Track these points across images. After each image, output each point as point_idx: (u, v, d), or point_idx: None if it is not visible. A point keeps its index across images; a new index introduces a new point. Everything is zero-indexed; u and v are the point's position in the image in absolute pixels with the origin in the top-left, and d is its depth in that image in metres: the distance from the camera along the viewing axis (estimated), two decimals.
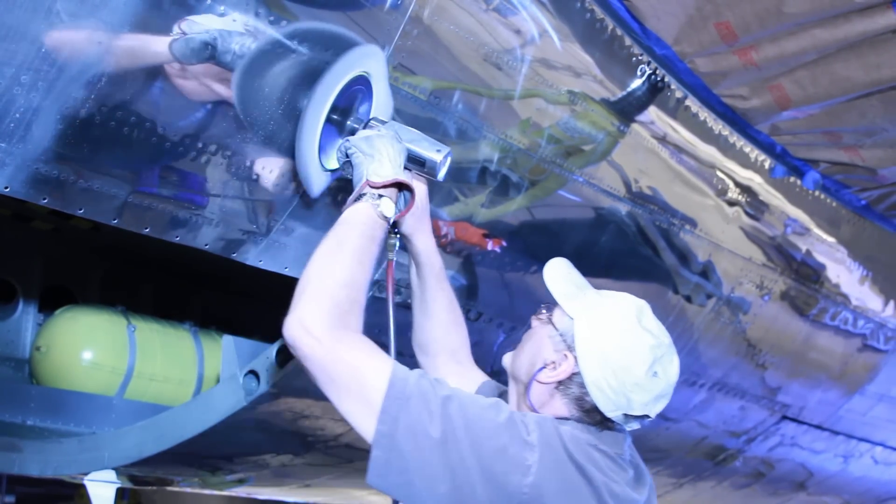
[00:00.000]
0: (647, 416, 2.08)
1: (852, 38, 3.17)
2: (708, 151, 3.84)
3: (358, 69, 2.45)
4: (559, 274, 2.21)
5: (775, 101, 3.53)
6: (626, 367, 2.02)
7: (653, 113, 3.54)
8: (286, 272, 2.80)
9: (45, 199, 2.24)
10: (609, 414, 2.05)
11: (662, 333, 2.10)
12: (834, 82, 3.37)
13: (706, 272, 4.14)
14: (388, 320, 2.35)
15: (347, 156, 2.28)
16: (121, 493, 4.58)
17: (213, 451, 3.59)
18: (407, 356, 2.46)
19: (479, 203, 3.11)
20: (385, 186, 2.17)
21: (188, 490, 4.77)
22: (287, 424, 3.47)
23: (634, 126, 3.47)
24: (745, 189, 4.09)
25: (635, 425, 2.10)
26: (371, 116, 2.47)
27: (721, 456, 5.33)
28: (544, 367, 2.08)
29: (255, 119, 2.42)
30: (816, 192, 4.36)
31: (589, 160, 3.39)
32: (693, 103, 3.62)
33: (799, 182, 4.23)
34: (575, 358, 2.05)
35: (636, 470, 2.12)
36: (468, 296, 3.37)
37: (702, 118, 3.70)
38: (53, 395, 3.69)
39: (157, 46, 2.20)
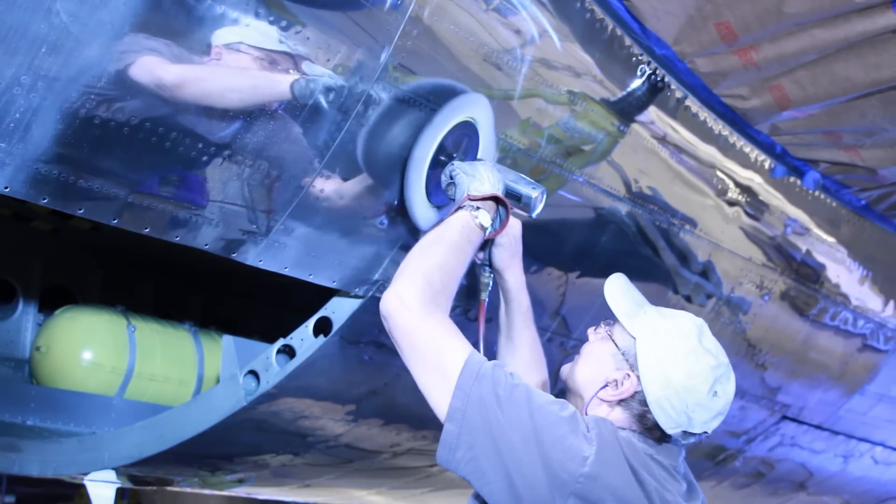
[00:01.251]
0: (706, 433, 2.15)
1: (852, 38, 3.16)
2: (708, 151, 3.84)
3: (463, 115, 2.70)
4: (619, 290, 2.27)
5: (775, 101, 3.53)
6: (689, 388, 2.08)
7: (653, 113, 3.53)
8: (286, 272, 2.81)
9: (45, 199, 2.24)
10: (670, 431, 2.11)
11: (721, 353, 2.16)
12: (834, 82, 3.37)
13: (706, 272, 4.14)
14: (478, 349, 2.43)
15: (451, 177, 2.53)
16: (121, 493, 4.58)
17: (213, 451, 3.59)
18: None
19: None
20: (484, 199, 2.37)
21: (188, 490, 4.77)
22: (287, 424, 3.47)
23: (634, 126, 3.47)
24: (745, 189, 4.09)
25: (692, 440, 2.16)
26: (474, 159, 2.71)
27: (721, 456, 5.33)
28: (606, 386, 2.14)
29: (369, 162, 2.66)
30: (816, 192, 4.36)
31: (589, 160, 3.39)
32: (693, 103, 3.62)
33: (799, 182, 4.23)
34: (638, 377, 2.11)
35: (689, 485, 2.17)
36: (468, 296, 3.37)
37: (702, 118, 3.70)
38: (53, 395, 3.69)
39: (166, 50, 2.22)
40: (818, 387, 5.31)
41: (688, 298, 4.15)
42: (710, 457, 5.29)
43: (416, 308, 2.06)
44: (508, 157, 3.08)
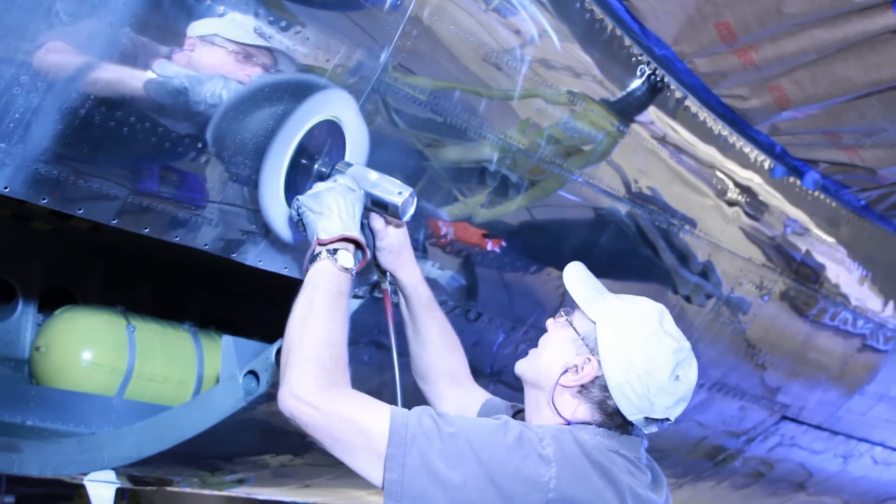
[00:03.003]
0: (668, 420, 2.10)
1: (852, 39, 3.16)
2: (708, 151, 3.84)
3: (324, 114, 2.49)
4: (579, 278, 2.22)
5: (775, 101, 3.53)
6: (650, 371, 2.04)
7: (652, 113, 3.54)
8: (285, 272, 2.80)
9: (44, 199, 2.24)
10: (631, 417, 2.06)
11: (682, 338, 2.13)
12: (834, 82, 3.37)
13: (706, 272, 4.14)
14: (390, 349, 2.38)
15: (299, 215, 2.31)
16: (120, 494, 4.59)
17: (213, 451, 3.59)
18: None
19: (478, 203, 3.11)
20: (333, 242, 2.18)
21: (188, 490, 4.77)
22: (287, 424, 3.45)
23: (634, 126, 3.47)
24: (745, 189, 4.09)
25: (654, 428, 2.11)
26: (339, 161, 2.51)
27: (721, 456, 5.33)
28: (566, 371, 2.09)
29: (226, 164, 2.45)
30: (816, 193, 4.36)
31: (589, 160, 3.39)
32: (693, 103, 3.62)
33: (799, 182, 4.23)
34: (598, 362, 2.07)
35: (653, 473, 2.13)
36: (468, 296, 3.37)
37: (701, 118, 3.70)
38: (53, 395, 3.69)
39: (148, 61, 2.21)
40: (818, 387, 5.31)
41: (687, 298, 4.15)
42: (710, 457, 5.29)
43: (317, 401, 1.95)
44: (508, 157, 3.08)
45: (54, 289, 4.24)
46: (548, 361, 2.13)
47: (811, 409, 5.42)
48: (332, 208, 2.25)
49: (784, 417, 5.31)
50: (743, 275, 4.34)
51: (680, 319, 4.18)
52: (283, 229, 2.55)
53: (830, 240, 4.68)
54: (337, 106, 2.54)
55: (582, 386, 2.08)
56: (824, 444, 5.85)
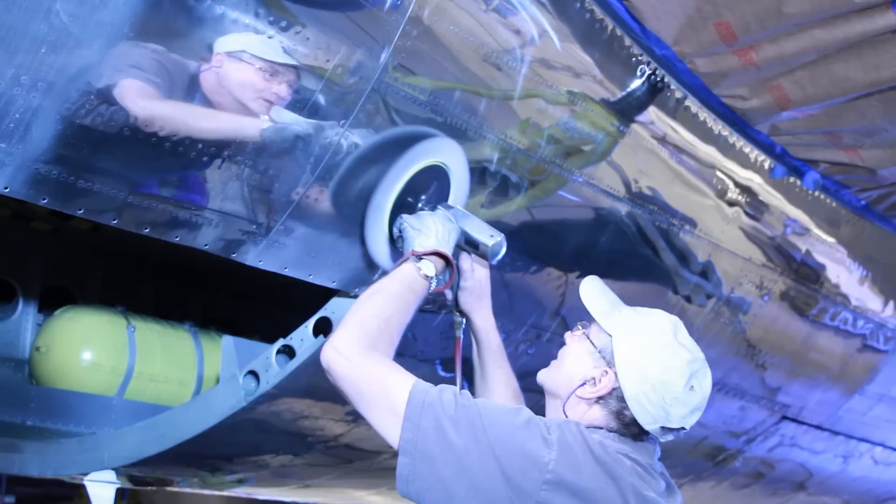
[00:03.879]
0: (683, 428, 2.16)
1: (852, 39, 3.16)
2: (708, 152, 3.84)
3: (432, 159, 2.75)
4: (594, 291, 2.30)
5: (775, 101, 3.53)
6: (666, 382, 2.10)
7: (653, 113, 3.53)
8: (286, 272, 2.81)
9: (45, 199, 2.24)
10: (647, 427, 2.12)
11: (696, 348, 2.18)
12: (834, 82, 3.37)
13: (706, 272, 4.14)
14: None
15: (400, 231, 2.57)
16: (121, 494, 4.58)
17: (213, 451, 3.59)
18: None
19: (479, 203, 3.11)
20: (426, 254, 2.40)
21: (188, 490, 4.77)
22: (287, 424, 3.47)
23: (634, 126, 3.47)
24: (745, 189, 4.09)
25: (670, 437, 2.17)
26: (442, 202, 2.73)
27: (721, 456, 5.33)
28: (584, 384, 2.16)
29: (336, 202, 2.69)
30: (816, 193, 4.36)
31: (589, 160, 3.39)
32: (693, 103, 3.62)
33: (799, 182, 4.23)
34: (615, 374, 2.13)
35: (668, 484, 2.18)
36: None
37: (702, 118, 3.70)
38: (53, 395, 3.69)
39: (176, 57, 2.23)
40: (818, 387, 5.31)
41: (688, 299, 4.15)
42: (710, 457, 5.29)
43: (352, 355, 2.10)
44: (508, 157, 3.08)
45: (54, 289, 4.24)
46: (567, 374, 2.21)
47: (811, 409, 5.42)
48: (431, 228, 2.49)
49: (784, 417, 5.30)
50: (743, 275, 4.34)
51: (680, 319, 4.20)
52: (384, 260, 2.77)
53: (830, 240, 4.68)
54: (446, 153, 2.80)
55: (599, 397, 2.14)
56: (824, 444, 5.85)
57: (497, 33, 2.89)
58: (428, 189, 2.76)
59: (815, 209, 4.47)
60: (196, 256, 2.82)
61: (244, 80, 2.39)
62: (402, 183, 2.71)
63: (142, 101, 2.22)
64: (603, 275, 3.68)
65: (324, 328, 3.07)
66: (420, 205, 2.72)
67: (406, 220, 2.57)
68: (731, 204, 4.08)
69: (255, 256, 2.72)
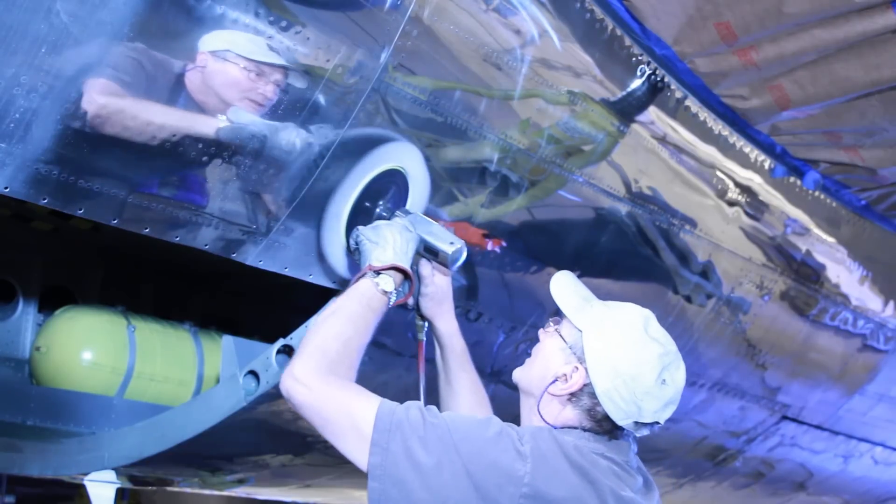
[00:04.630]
0: (657, 423, 2.13)
1: (852, 38, 3.16)
2: (708, 151, 3.84)
3: (390, 164, 2.70)
4: (566, 287, 2.28)
5: (775, 101, 3.53)
6: (636, 376, 2.07)
7: (653, 113, 3.53)
8: (286, 272, 2.80)
9: (45, 199, 2.24)
10: (620, 422, 2.09)
11: (669, 342, 2.16)
12: (834, 82, 3.37)
13: (706, 272, 4.14)
14: (420, 395, 2.46)
15: (357, 244, 2.49)
16: (121, 494, 4.58)
17: (213, 451, 3.59)
18: None
19: (479, 203, 3.11)
20: (383, 269, 2.33)
21: (188, 490, 4.76)
22: (287, 424, 3.47)
23: (634, 126, 3.47)
24: (745, 189, 4.09)
25: (644, 431, 2.14)
26: (400, 208, 2.69)
27: (721, 456, 5.33)
28: (556, 381, 2.13)
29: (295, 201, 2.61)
30: (816, 192, 4.36)
31: (589, 160, 3.39)
32: (693, 103, 3.62)
33: (799, 182, 4.23)
34: (586, 369, 2.10)
35: (644, 478, 2.16)
36: (468, 296, 3.37)
37: (702, 118, 3.70)
38: (53, 395, 3.68)
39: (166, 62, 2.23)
40: (818, 387, 5.31)
41: (688, 298, 4.15)
42: (710, 457, 5.29)
43: (312, 382, 2.06)
44: (508, 157, 3.08)
45: (54, 289, 4.24)
46: (539, 371, 2.18)
47: (811, 408, 5.42)
48: (389, 240, 2.42)
49: (784, 417, 5.30)
50: (743, 275, 4.34)
51: (680, 319, 4.21)
52: (340, 266, 2.74)
53: (831, 240, 4.68)
54: (404, 157, 2.76)
55: (571, 394, 2.11)
56: (825, 443, 5.84)
57: (497, 33, 2.89)
58: (386, 194, 2.73)
59: (815, 209, 4.47)
60: (196, 256, 2.81)
61: (229, 80, 2.36)
62: (360, 189, 2.68)
63: (100, 98, 2.17)
64: (603, 275, 3.71)
65: None
66: (378, 210, 2.69)
67: (362, 232, 2.48)
68: (732, 204, 4.08)
69: (255, 256, 2.72)
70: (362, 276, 2.33)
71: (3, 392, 3.67)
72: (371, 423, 1.99)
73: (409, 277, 2.40)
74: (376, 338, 2.98)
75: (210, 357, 3.98)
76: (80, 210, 2.33)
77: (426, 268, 2.54)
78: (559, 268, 3.56)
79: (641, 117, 3.48)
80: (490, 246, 3.28)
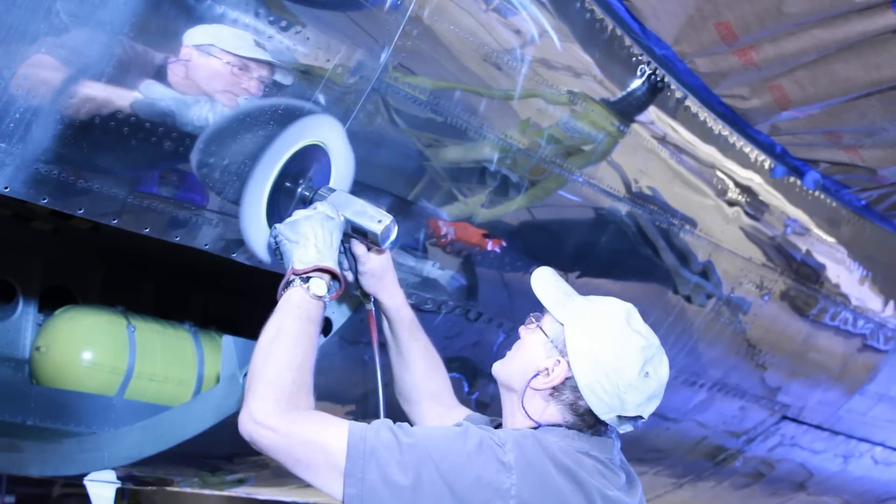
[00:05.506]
0: (641, 417, 2.10)
1: (852, 38, 3.16)
2: (708, 151, 3.84)
3: (309, 139, 2.51)
4: (546, 281, 2.24)
5: (775, 101, 3.53)
6: (619, 369, 2.05)
7: (653, 113, 3.53)
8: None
9: (45, 199, 2.24)
10: (603, 416, 2.07)
11: (651, 335, 2.13)
12: (834, 82, 3.37)
13: (706, 272, 4.14)
14: (374, 369, 2.41)
15: (277, 244, 2.32)
16: (121, 493, 4.58)
17: (213, 451, 3.59)
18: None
19: (479, 203, 3.11)
20: (307, 272, 2.19)
21: (188, 490, 4.77)
22: None
23: (634, 126, 3.47)
24: (745, 189, 4.09)
25: (628, 427, 2.12)
26: (323, 186, 2.52)
27: (721, 456, 5.33)
28: (538, 374, 2.10)
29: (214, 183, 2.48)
30: (816, 192, 4.36)
31: (589, 160, 3.39)
32: (693, 103, 3.62)
33: (799, 182, 4.23)
34: (567, 363, 2.08)
35: (627, 474, 2.13)
36: (468, 296, 3.37)
37: (702, 118, 3.70)
38: (53, 395, 3.69)
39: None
40: (818, 387, 5.31)
41: (688, 298, 4.15)
42: (710, 457, 5.29)
43: (276, 423, 1.97)
44: (508, 157, 3.08)
45: (54, 289, 4.24)
46: (519, 365, 2.15)
47: (811, 408, 5.42)
48: (310, 237, 2.25)
49: (784, 417, 5.30)
50: (743, 275, 4.34)
51: (680, 319, 4.21)
52: (262, 252, 2.55)
53: (831, 240, 4.68)
54: (324, 131, 2.56)
55: (553, 388, 2.09)
56: (825, 443, 5.84)
57: (497, 33, 2.89)
58: (307, 172, 2.54)
59: (815, 209, 4.47)
60: (196, 256, 2.81)
61: (212, 74, 2.33)
62: (278, 168, 2.50)
63: (100, 98, 2.16)
64: (603, 275, 3.71)
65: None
66: (300, 189, 2.50)
67: (281, 231, 2.29)
68: (732, 204, 4.08)
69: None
70: (289, 283, 2.19)
71: (3, 392, 3.67)
72: (343, 453, 1.91)
73: (336, 277, 2.25)
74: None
75: (210, 357, 3.98)
76: (80, 210, 2.33)
77: (360, 246, 2.41)
78: (559, 268, 3.57)
79: (641, 117, 3.48)
80: (490, 246, 3.28)
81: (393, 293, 2.47)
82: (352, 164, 2.64)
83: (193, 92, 2.33)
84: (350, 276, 2.42)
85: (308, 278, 2.18)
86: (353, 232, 2.39)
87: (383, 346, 2.52)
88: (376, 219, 2.38)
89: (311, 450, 1.95)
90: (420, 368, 2.49)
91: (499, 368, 2.22)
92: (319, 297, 2.17)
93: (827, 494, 6.61)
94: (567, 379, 2.07)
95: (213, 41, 2.29)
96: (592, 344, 2.07)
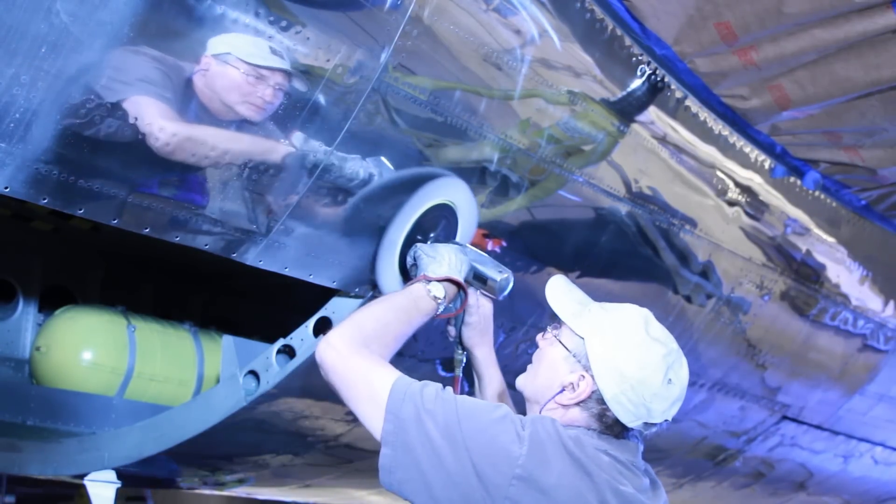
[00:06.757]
0: (666, 421, 2.14)
1: (852, 38, 3.16)
2: (708, 151, 3.84)
3: (440, 199, 2.85)
4: (561, 292, 2.28)
5: (775, 101, 3.53)
6: (643, 379, 2.08)
7: (653, 113, 3.53)
8: (286, 272, 2.81)
9: (45, 199, 2.24)
10: (630, 424, 2.11)
11: (669, 340, 2.16)
12: (834, 82, 3.37)
13: (706, 272, 4.14)
14: None
15: (415, 259, 2.64)
16: (121, 494, 4.58)
17: (213, 451, 3.59)
18: None
19: (479, 203, 3.11)
20: (438, 280, 2.45)
21: (188, 490, 4.76)
22: (287, 424, 3.47)
23: (634, 126, 3.47)
24: (745, 189, 4.09)
25: (654, 430, 2.15)
26: (451, 240, 2.80)
27: (721, 456, 5.33)
28: (563, 390, 2.14)
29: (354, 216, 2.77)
30: (816, 192, 4.36)
31: (589, 160, 3.39)
32: (693, 103, 3.62)
33: (799, 182, 4.23)
34: (592, 377, 2.11)
35: (652, 482, 2.16)
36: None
37: (702, 118, 3.70)
38: (53, 395, 3.69)
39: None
40: (818, 387, 5.31)
41: (688, 298, 4.15)
42: (710, 457, 5.29)
43: (342, 348, 2.14)
44: (508, 157, 3.08)
45: (54, 289, 4.24)
46: (544, 381, 2.19)
47: (812, 408, 5.42)
48: (445, 257, 2.55)
49: (784, 417, 5.30)
50: (743, 275, 4.34)
51: (680, 319, 4.21)
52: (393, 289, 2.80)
53: (831, 240, 4.68)
54: (453, 191, 2.89)
55: (579, 402, 2.12)
56: (825, 443, 5.85)
57: (497, 33, 2.89)
58: (436, 227, 2.85)
59: (815, 209, 4.47)
60: (196, 256, 2.82)
61: (229, 83, 2.37)
62: (412, 221, 2.79)
63: (163, 122, 2.27)
64: (603, 275, 3.71)
65: (324, 328, 3.06)
66: (429, 243, 2.77)
67: (420, 248, 2.64)
68: (732, 204, 4.08)
69: (256, 256, 2.72)
70: (416, 281, 2.45)
71: (3, 392, 3.67)
72: (387, 392, 2.04)
73: (462, 289, 2.50)
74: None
75: (210, 357, 3.98)
76: (80, 210, 2.33)
77: (472, 296, 2.59)
78: (559, 268, 3.58)
79: (641, 117, 3.48)
80: (490, 246, 3.28)
81: (488, 351, 2.60)
82: (475, 221, 2.98)
83: (215, 100, 2.38)
84: (453, 332, 2.59)
85: (430, 281, 2.44)
86: (474, 279, 2.60)
87: None
88: (497, 270, 2.62)
89: (361, 380, 2.10)
90: None
91: (523, 384, 2.27)
92: (435, 299, 2.40)
93: (827, 494, 6.61)
94: (593, 392, 2.11)
95: (229, 49, 2.34)
96: (615, 356, 2.11)
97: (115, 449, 3.38)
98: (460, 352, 2.60)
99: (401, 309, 2.32)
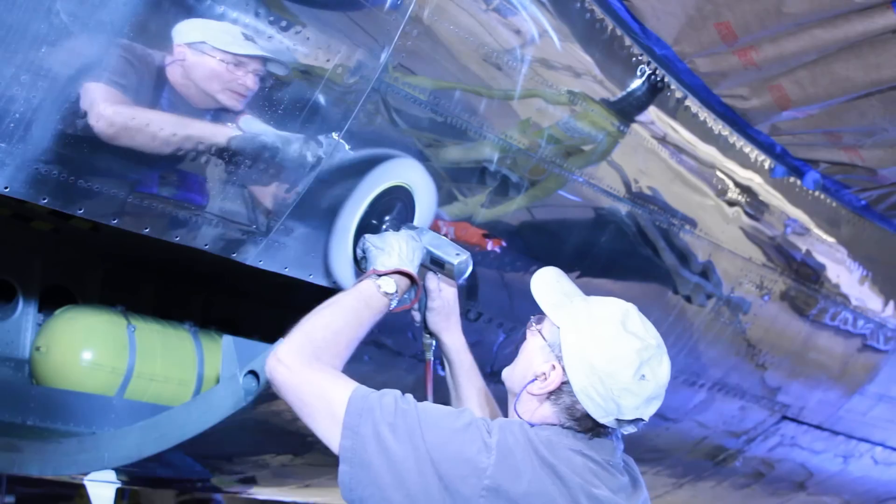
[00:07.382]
0: (641, 420, 2.09)
1: (852, 38, 3.16)
2: (708, 151, 3.84)
3: (393, 181, 2.74)
4: (546, 283, 2.24)
5: (775, 101, 3.53)
6: (612, 373, 2.03)
7: (653, 113, 3.53)
8: (286, 272, 2.80)
9: (45, 199, 2.24)
10: (601, 420, 2.06)
11: (649, 335, 2.10)
12: (834, 82, 3.37)
13: (706, 272, 4.14)
14: None
15: (364, 251, 2.56)
16: (121, 493, 4.58)
17: (213, 451, 3.59)
18: None
19: (479, 203, 3.11)
20: (387, 274, 2.37)
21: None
22: (287, 424, 3.47)
23: (634, 126, 3.47)
24: (745, 189, 4.09)
25: (630, 429, 2.10)
26: (406, 223, 2.73)
27: (721, 456, 5.33)
28: (535, 380, 2.10)
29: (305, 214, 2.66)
30: (816, 192, 4.36)
31: (589, 160, 3.39)
32: (693, 103, 3.62)
33: (799, 182, 4.23)
34: (563, 367, 2.07)
35: (632, 477, 2.13)
36: (468, 296, 3.37)
37: (702, 118, 3.70)
38: (53, 395, 3.68)
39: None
40: (818, 387, 5.31)
41: (688, 298, 4.15)
42: (710, 457, 5.29)
43: (292, 363, 2.08)
44: (508, 157, 3.08)
45: (54, 289, 4.24)
46: (521, 370, 2.16)
47: (811, 409, 5.42)
48: (394, 247, 2.47)
49: (784, 417, 5.31)
50: (743, 275, 4.34)
51: (680, 319, 4.20)
52: (347, 281, 2.73)
53: (831, 240, 4.68)
54: (408, 173, 2.79)
55: (550, 392, 2.09)
56: (825, 444, 5.85)
57: (497, 33, 2.89)
58: (391, 210, 2.75)
59: (815, 209, 4.47)
60: (196, 256, 2.81)
61: (208, 72, 2.33)
62: (365, 205, 2.70)
63: (100, 97, 2.17)
64: (603, 275, 3.71)
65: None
66: (384, 227, 2.71)
67: (369, 239, 2.55)
68: (732, 204, 4.08)
69: (256, 256, 2.72)
70: (365, 277, 2.36)
71: (3, 392, 3.67)
72: (344, 406, 2.00)
73: (414, 282, 2.42)
74: (376, 338, 2.99)
75: (210, 357, 3.97)
76: (80, 210, 2.33)
77: (433, 281, 2.55)
78: (559, 268, 3.57)
79: (641, 117, 3.48)
80: (490, 246, 3.28)
81: (456, 335, 2.56)
82: (434, 204, 2.87)
83: (195, 92, 2.34)
84: (418, 317, 2.55)
85: (380, 276, 2.35)
86: (431, 263, 2.54)
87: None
88: (454, 252, 2.55)
89: (316, 396, 2.05)
90: (476, 413, 2.51)
91: (506, 375, 2.24)
92: (386, 295, 2.33)
93: (827, 494, 6.61)
94: (563, 383, 2.07)
95: (203, 38, 2.29)
96: (586, 348, 2.06)
97: (115, 449, 3.38)
98: (428, 337, 2.57)
99: (350, 311, 2.25)
